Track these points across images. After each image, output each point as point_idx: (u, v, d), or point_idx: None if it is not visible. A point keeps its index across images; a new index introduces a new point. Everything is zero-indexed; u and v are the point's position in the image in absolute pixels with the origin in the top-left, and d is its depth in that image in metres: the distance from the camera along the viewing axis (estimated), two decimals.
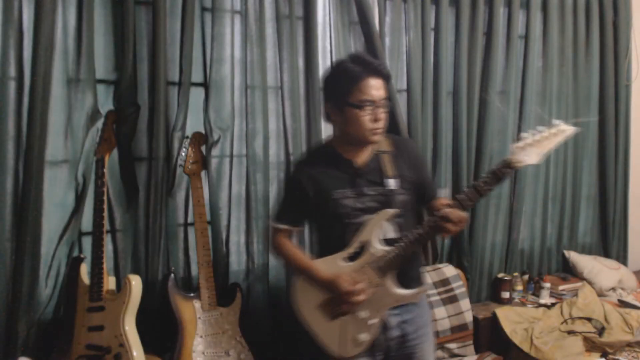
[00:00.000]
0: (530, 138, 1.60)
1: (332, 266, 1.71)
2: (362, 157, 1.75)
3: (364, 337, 1.71)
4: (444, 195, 1.76)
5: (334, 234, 1.74)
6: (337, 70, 1.75)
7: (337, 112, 1.72)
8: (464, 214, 1.63)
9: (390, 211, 1.68)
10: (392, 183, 1.72)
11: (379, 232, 1.70)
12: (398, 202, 1.71)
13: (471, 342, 2.68)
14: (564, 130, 1.61)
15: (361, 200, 1.71)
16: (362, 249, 1.70)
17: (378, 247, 1.69)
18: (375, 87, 1.65)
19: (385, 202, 1.70)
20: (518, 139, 1.62)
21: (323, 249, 1.80)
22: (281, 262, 1.91)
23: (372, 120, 1.66)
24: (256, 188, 2.46)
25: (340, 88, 1.68)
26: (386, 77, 1.70)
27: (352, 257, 1.72)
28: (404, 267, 1.72)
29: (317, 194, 1.74)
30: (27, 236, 2.01)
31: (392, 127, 2.58)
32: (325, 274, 1.71)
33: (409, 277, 1.74)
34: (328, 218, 1.74)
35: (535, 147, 1.60)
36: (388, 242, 1.70)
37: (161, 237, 2.28)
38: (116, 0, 2.16)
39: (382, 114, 1.67)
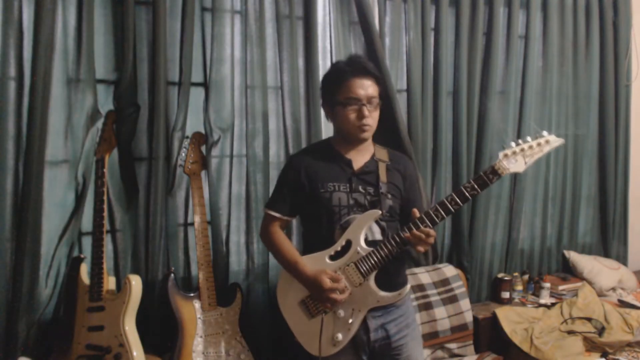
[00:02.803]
0: (517, 147, 1.63)
1: (318, 263, 1.73)
2: (361, 160, 1.79)
3: (341, 336, 1.72)
4: None
5: (323, 230, 1.75)
6: (330, 70, 1.81)
7: (330, 110, 1.80)
8: (429, 231, 1.63)
9: (377, 211, 1.70)
10: (383, 187, 1.75)
11: (366, 232, 1.72)
12: (386, 206, 1.74)
13: (471, 342, 2.68)
14: (552, 141, 1.64)
15: (353, 197, 1.74)
16: (348, 247, 1.71)
17: (363, 247, 1.70)
18: (360, 86, 1.70)
19: (374, 203, 1.73)
20: (504, 147, 1.65)
21: (311, 245, 1.80)
22: (269, 250, 1.93)
23: (358, 118, 1.71)
24: (256, 188, 2.46)
25: (331, 87, 1.77)
26: (374, 77, 1.73)
27: (338, 255, 1.72)
28: (387, 270, 1.73)
29: (312, 183, 1.76)
30: (27, 236, 2.01)
31: (392, 127, 2.59)
32: (309, 270, 1.71)
33: (392, 280, 1.75)
34: (319, 211, 1.76)
35: (521, 156, 1.63)
36: (374, 244, 1.71)
37: (161, 237, 2.28)
38: (116, 0, 2.17)
39: (368, 111, 1.71)
